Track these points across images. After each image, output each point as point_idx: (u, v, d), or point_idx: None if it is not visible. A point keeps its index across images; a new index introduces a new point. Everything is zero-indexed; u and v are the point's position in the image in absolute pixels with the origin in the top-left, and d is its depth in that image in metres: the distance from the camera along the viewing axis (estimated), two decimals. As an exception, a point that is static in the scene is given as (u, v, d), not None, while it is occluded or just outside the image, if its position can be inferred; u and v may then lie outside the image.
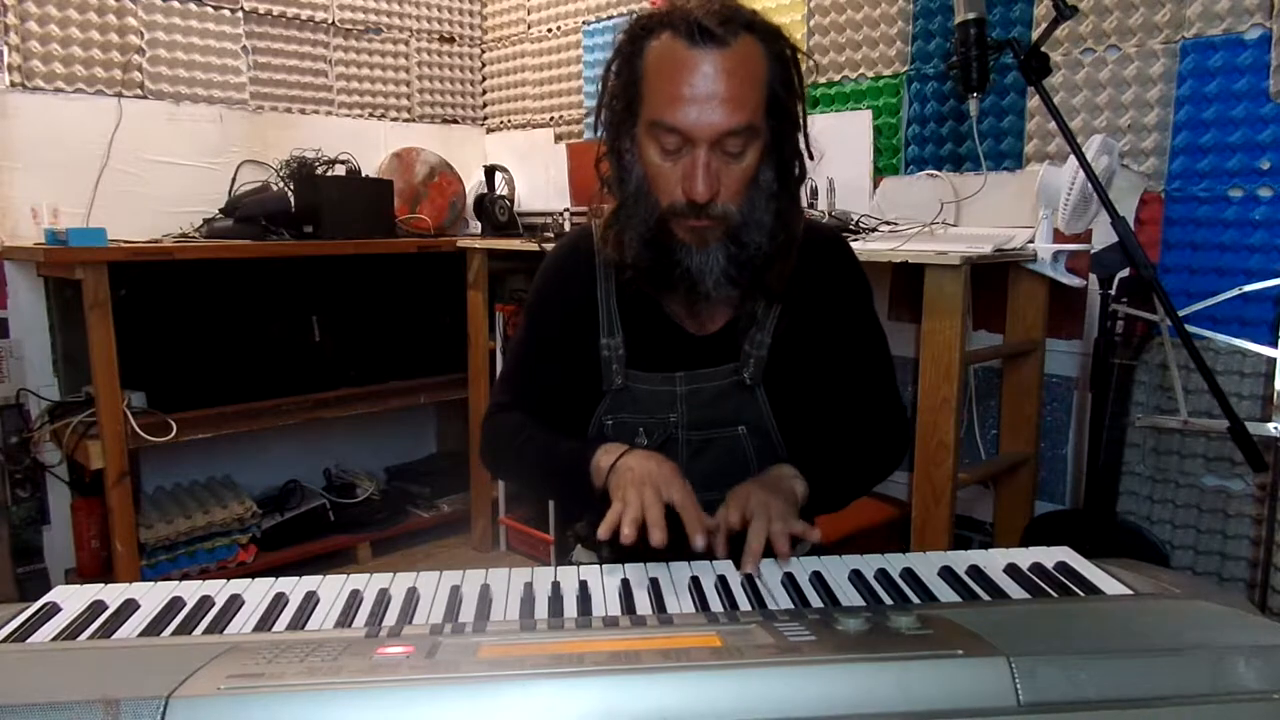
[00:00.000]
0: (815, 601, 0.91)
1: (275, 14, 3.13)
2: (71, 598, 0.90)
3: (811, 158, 1.17)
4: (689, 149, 1.04)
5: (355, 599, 0.90)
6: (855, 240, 2.08)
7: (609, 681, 0.62)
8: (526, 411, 1.28)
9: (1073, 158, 1.76)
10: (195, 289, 2.68)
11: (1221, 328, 1.90)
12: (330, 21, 3.28)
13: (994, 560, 0.99)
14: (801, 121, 1.13)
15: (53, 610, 0.87)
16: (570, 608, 0.89)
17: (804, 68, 1.12)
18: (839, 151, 2.49)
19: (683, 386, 1.21)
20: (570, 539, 1.37)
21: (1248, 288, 1.86)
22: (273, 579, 0.94)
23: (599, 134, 1.16)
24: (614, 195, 1.16)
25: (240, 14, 3.05)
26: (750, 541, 0.99)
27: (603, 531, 1.00)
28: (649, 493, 1.01)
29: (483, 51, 3.71)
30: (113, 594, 0.91)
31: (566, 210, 2.93)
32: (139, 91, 2.86)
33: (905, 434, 1.32)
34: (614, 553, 1.17)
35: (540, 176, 3.51)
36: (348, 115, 3.37)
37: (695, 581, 0.94)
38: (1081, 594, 0.90)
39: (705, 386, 1.22)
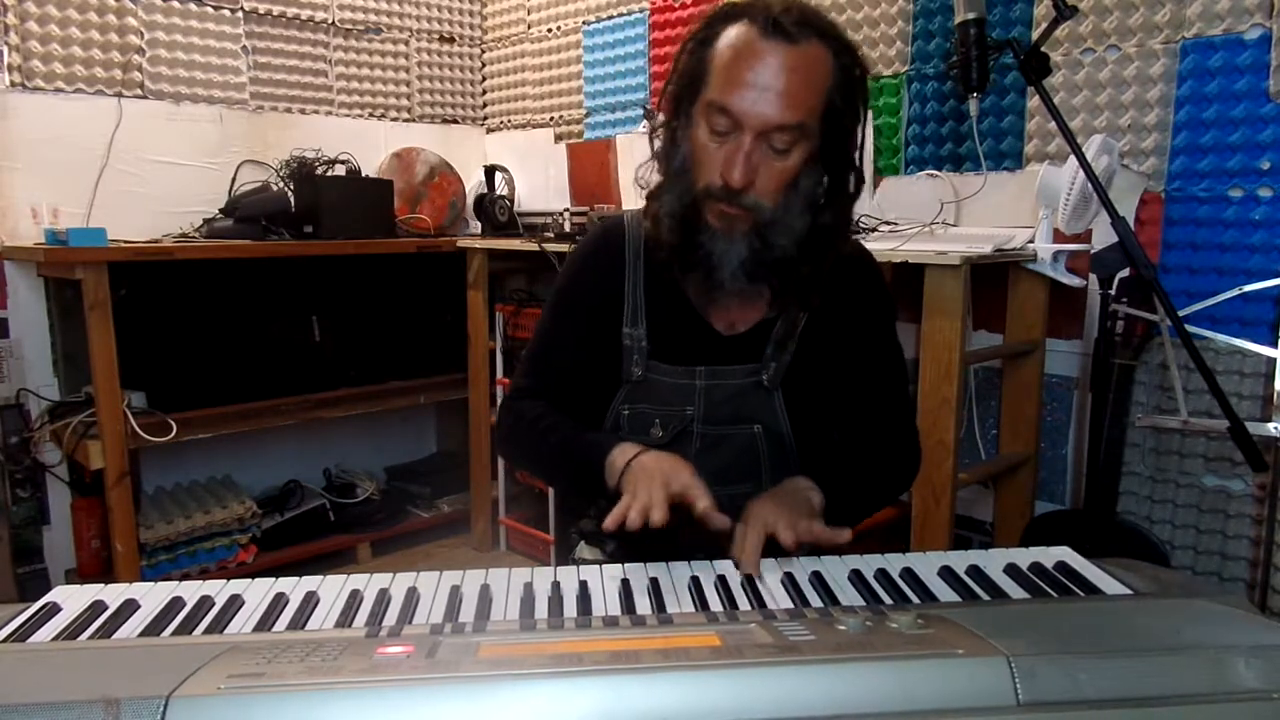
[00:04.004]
0: (815, 601, 0.91)
1: (275, 14, 3.13)
2: (71, 598, 0.90)
3: (863, 180, 1.18)
4: (736, 134, 1.06)
5: (355, 599, 0.90)
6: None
7: (609, 681, 0.62)
8: (547, 396, 1.29)
9: (1073, 158, 1.76)
10: (195, 289, 2.68)
11: (1221, 328, 1.90)
12: (330, 21, 3.28)
13: (994, 560, 0.99)
14: (860, 140, 1.15)
15: (53, 610, 0.87)
16: (570, 608, 0.89)
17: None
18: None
19: (702, 381, 1.22)
20: (575, 536, 1.38)
21: (1248, 288, 1.86)
22: (273, 579, 0.94)
23: (660, 111, 1.19)
24: (660, 171, 1.19)
25: (240, 14, 3.05)
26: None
27: (609, 523, 1.00)
28: (656, 483, 1.02)
29: (483, 51, 3.71)
30: (113, 594, 0.91)
31: (566, 210, 2.92)
32: (139, 91, 2.86)
33: (916, 458, 1.32)
34: (620, 546, 1.18)
35: (540, 176, 3.51)
36: (348, 115, 3.37)
37: (695, 581, 0.94)
38: (1081, 594, 0.90)
39: (724, 384, 1.22)
